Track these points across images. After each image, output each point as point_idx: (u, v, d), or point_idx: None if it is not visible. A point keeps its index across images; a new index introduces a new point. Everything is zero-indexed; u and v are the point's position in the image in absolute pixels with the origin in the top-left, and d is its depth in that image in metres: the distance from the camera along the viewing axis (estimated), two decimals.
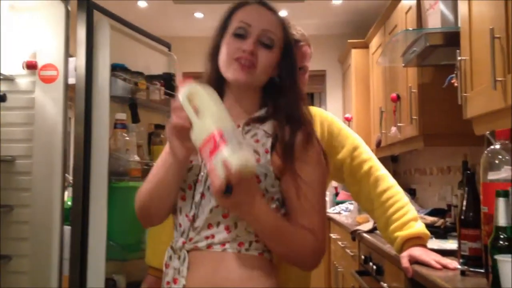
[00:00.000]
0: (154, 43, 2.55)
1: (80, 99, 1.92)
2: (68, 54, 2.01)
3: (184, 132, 1.09)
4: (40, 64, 1.99)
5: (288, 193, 1.20)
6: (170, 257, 1.22)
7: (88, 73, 1.93)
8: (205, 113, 1.07)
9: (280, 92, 1.23)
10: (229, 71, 1.21)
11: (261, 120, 1.22)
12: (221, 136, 1.04)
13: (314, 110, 1.65)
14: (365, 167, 1.64)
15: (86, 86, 1.92)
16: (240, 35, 1.20)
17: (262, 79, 1.22)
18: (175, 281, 1.18)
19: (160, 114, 2.59)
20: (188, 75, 1.16)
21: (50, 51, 1.99)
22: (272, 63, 1.22)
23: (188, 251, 1.18)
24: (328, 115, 1.68)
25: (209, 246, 1.16)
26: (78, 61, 1.95)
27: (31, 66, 1.99)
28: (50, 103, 1.96)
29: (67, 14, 2.00)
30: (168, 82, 2.40)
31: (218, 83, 1.25)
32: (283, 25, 1.24)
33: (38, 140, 1.96)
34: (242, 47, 1.19)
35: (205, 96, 1.09)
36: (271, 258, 1.20)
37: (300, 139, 1.18)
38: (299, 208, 1.19)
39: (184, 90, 1.11)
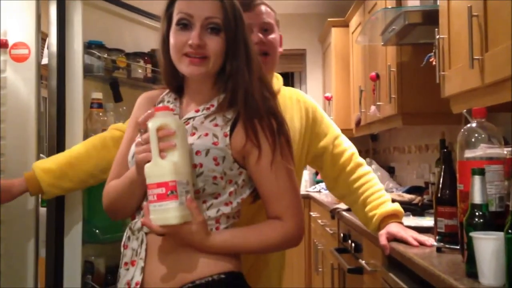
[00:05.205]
0: (144, 19, 2.44)
1: (52, 78, 1.86)
2: (39, 32, 1.94)
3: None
4: (11, 42, 1.93)
5: (253, 179, 1.22)
6: (129, 238, 1.23)
7: (61, 51, 1.88)
8: (168, 156, 1.08)
9: (232, 75, 1.22)
10: (181, 67, 1.22)
11: (221, 108, 1.22)
12: (173, 189, 1.06)
13: (297, 94, 1.67)
14: (347, 154, 1.67)
15: (59, 64, 1.87)
16: (184, 25, 1.20)
17: (216, 66, 1.22)
18: (133, 263, 1.19)
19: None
20: (163, 106, 1.19)
21: (21, 29, 1.93)
22: (223, 47, 1.21)
23: (146, 233, 1.18)
24: (312, 101, 1.68)
25: None
26: (50, 39, 1.89)
27: (1, 45, 1.92)
28: (22, 83, 1.90)
29: None
30: (155, 59, 2.27)
31: (174, 74, 1.26)
32: (223, 4, 1.21)
33: (11, 121, 1.90)
34: (189, 40, 1.18)
35: (173, 134, 1.09)
36: None
37: (257, 124, 1.18)
38: (264, 193, 1.21)
39: (154, 122, 1.10)
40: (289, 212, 1.20)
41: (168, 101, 1.30)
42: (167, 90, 1.33)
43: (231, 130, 1.19)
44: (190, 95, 1.28)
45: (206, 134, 1.18)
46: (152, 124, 1.09)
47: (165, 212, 1.07)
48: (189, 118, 1.23)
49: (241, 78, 1.21)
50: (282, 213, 1.20)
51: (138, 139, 1.16)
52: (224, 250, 1.17)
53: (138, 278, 1.16)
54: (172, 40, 1.21)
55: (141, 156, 1.12)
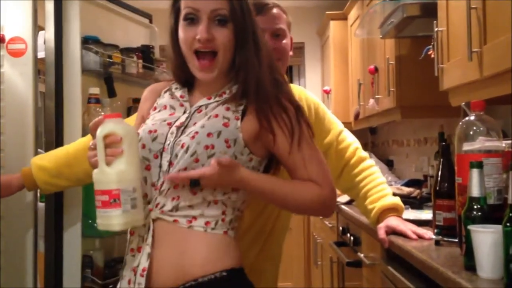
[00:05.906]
0: (133, 15, 2.46)
1: (50, 73, 1.86)
2: (36, 26, 1.93)
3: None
4: (7, 37, 1.92)
5: (277, 153, 1.22)
6: None
7: (58, 47, 1.87)
8: (115, 163, 1.10)
9: (242, 66, 1.22)
10: (192, 69, 1.22)
11: (234, 98, 1.22)
12: (116, 197, 1.08)
13: (299, 91, 1.66)
14: (351, 149, 1.68)
15: (56, 59, 1.86)
16: (191, 20, 1.20)
17: (226, 60, 1.22)
18: (139, 249, 1.19)
19: (138, 88, 2.51)
20: (113, 113, 1.17)
21: (18, 23, 1.92)
22: (232, 38, 1.21)
23: (154, 220, 1.18)
24: (314, 97, 1.68)
25: (175, 220, 1.16)
26: (47, 34, 1.88)
27: None
28: (19, 78, 1.90)
29: None
30: (146, 54, 2.35)
31: (183, 68, 1.26)
32: None
33: (9, 116, 1.90)
34: (197, 35, 1.18)
35: (120, 141, 1.10)
36: (234, 235, 1.22)
37: (270, 108, 1.19)
38: (292, 164, 1.22)
39: (101, 130, 1.11)
40: (320, 178, 1.21)
41: (176, 88, 1.31)
42: (173, 80, 1.34)
43: (243, 115, 1.20)
44: (200, 86, 1.28)
45: (216, 116, 1.20)
46: (99, 132, 1.11)
47: (108, 219, 1.10)
48: (201, 106, 1.24)
49: (252, 68, 1.21)
50: (316, 178, 1.21)
51: (90, 143, 1.18)
52: (261, 190, 1.18)
53: (144, 264, 1.16)
54: (181, 35, 1.22)
55: (92, 162, 1.15)
